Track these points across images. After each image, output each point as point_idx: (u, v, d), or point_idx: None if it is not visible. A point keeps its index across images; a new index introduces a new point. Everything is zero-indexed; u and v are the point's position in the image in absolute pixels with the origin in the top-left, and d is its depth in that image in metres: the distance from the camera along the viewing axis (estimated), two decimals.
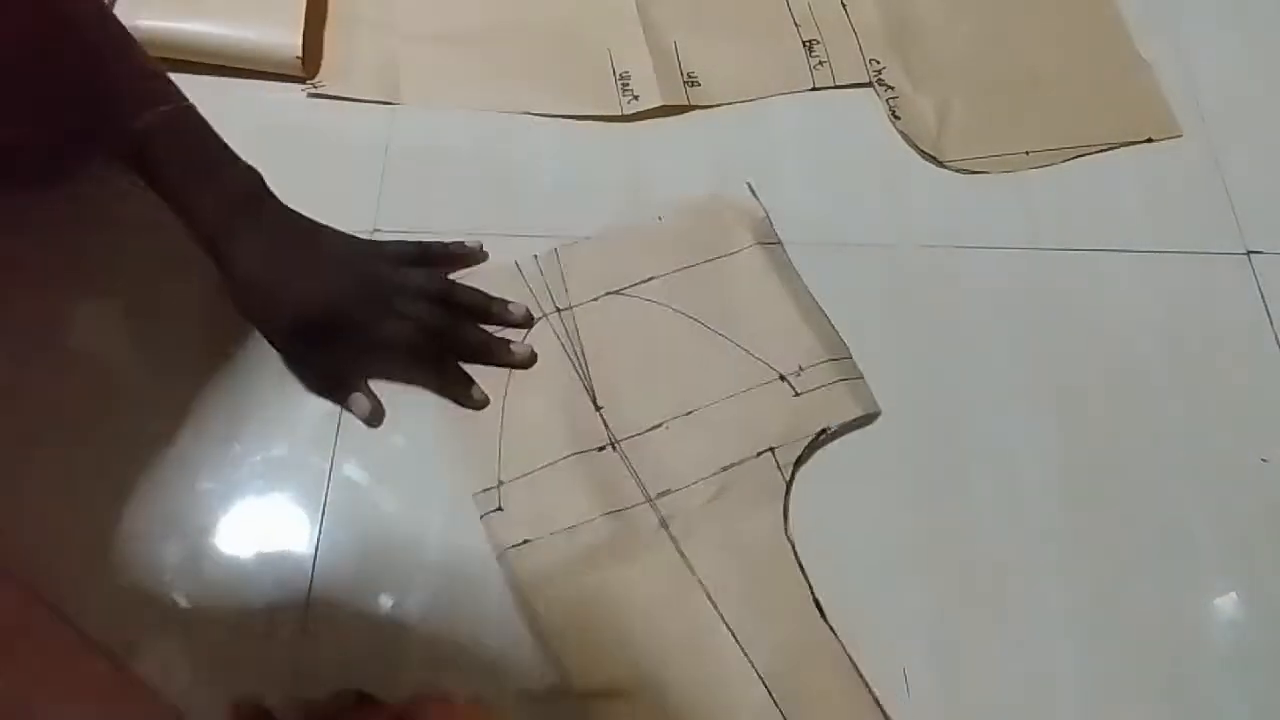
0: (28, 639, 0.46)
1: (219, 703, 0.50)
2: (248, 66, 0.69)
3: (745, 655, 0.52)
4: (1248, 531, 0.58)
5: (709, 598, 0.54)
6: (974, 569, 0.56)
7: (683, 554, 0.55)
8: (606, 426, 0.58)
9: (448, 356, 0.60)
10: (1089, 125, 0.72)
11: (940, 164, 0.70)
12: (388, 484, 0.57)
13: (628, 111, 0.70)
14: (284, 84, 0.70)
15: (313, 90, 0.70)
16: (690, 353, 0.61)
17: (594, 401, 0.59)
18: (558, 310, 0.62)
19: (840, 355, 0.61)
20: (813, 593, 0.54)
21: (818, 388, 0.60)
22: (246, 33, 0.68)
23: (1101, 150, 0.71)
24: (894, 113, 0.71)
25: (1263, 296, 0.65)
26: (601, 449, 0.58)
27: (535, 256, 0.64)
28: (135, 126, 0.54)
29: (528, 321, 0.61)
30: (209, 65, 0.67)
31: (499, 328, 0.61)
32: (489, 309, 0.61)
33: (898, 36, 0.75)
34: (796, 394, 0.59)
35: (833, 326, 0.62)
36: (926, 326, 0.64)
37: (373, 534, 0.56)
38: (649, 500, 0.56)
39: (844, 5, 0.76)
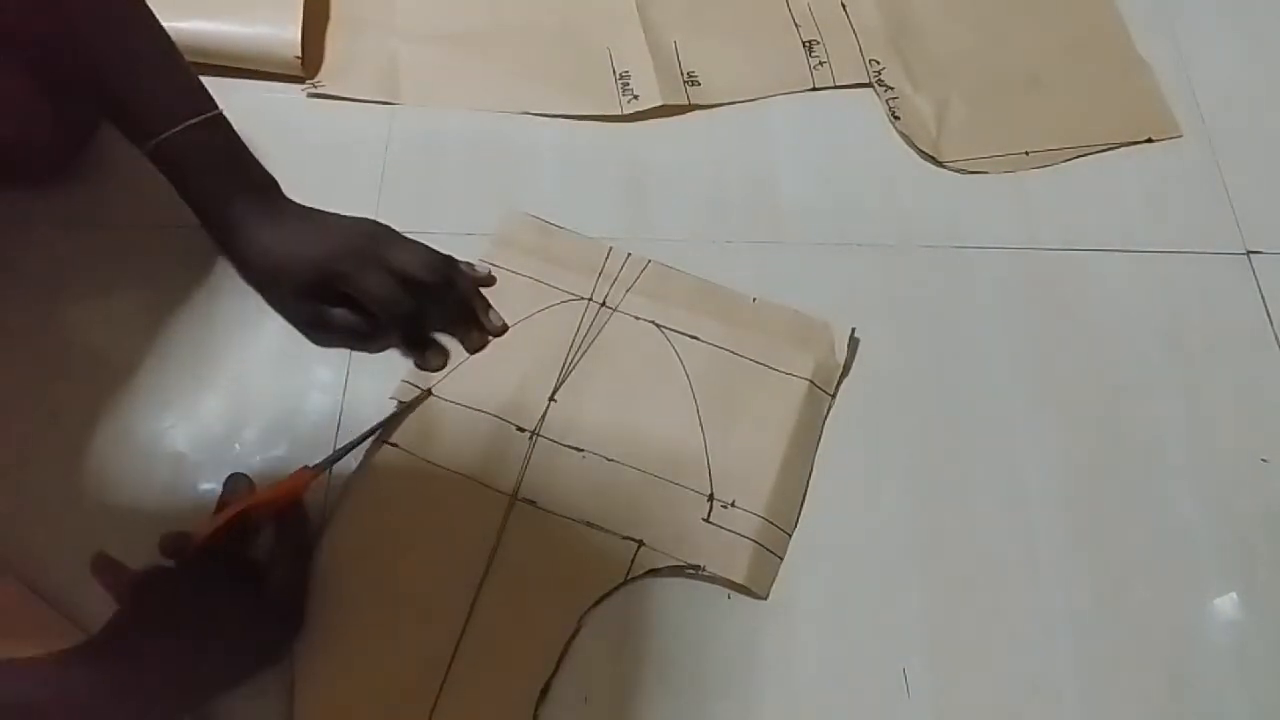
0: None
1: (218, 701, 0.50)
2: (248, 66, 0.69)
3: (441, 685, 0.51)
4: (1248, 532, 0.58)
5: (470, 611, 0.53)
6: (974, 569, 0.56)
7: (492, 557, 0.54)
8: (542, 418, 0.58)
9: (423, 319, 0.60)
10: (1089, 125, 0.72)
11: (939, 164, 0.70)
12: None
13: (628, 111, 0.70)
14: (284, 84, 0.70)
15: (313, 90, 0.70)
16: (664, 418, 0.59)
17: (553, 391, 0.59)
18: (601, 304, 0.62)
19: (779, 526, 0.56)
20: (549, 682, 0.52)
21: (731, 531, 0.55)
22: (246, 32, 0.68)
23: (1101, 150, 0.71)
24: (894, 113, 0.71)
25: (1263, 296, 0.65)
26: (521, 430, 0.58)
27: (629, 253, 0.64)
28: (157, 140, 0.55)
29: (500, 333, 0.61)
30: (209, 65, 0.67)
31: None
32: (473, 300, 0.61)
33: (898, 37, 0.75)
34: (707, 519, 0.56)
35: (802, 502, 0.58)
36: (927, 326, 0.64)
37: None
38: (512, 496, 0.56)
39: (844, 5, 0.76)
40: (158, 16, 0.56)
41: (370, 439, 0.56)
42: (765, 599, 0.55)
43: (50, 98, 0.58)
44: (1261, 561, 0.57)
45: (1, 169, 0.62)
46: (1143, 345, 0.64)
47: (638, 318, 0.61)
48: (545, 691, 0.52)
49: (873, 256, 0.66)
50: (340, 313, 0.59)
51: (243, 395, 0.59)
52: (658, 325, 0.61)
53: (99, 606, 0.51)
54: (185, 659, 0.47)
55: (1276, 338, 0.64)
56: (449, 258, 0.61)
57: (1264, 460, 0.60)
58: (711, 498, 0.56)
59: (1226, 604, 0.56)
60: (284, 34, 0.68)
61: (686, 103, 0.71)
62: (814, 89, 0.73)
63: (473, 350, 0.60)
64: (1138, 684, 0.54)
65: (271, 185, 0.60)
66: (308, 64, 0.70)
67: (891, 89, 0.73)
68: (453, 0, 0.75)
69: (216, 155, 0.58)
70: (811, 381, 0.60)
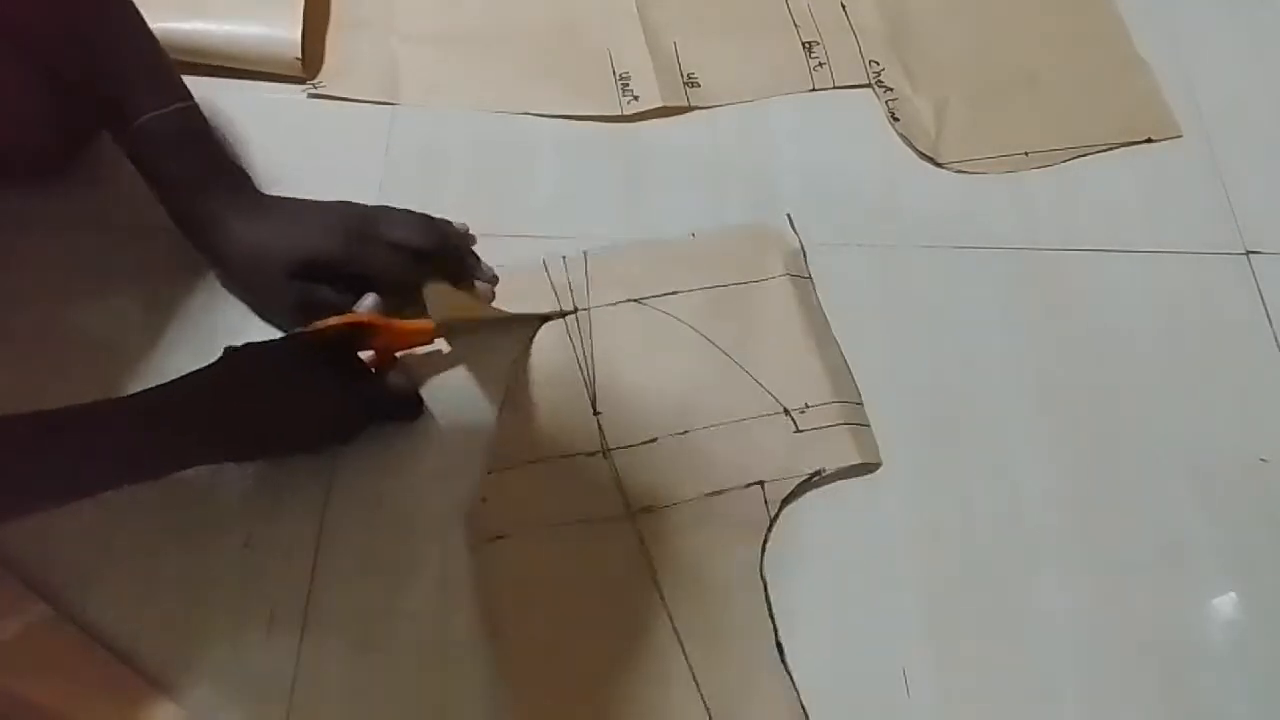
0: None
1: (219, 701, 0.50)
2: (248, 66, 0.69)
3: (697, 688, 0.51)
4: (1248, 531, 0.58)
5: (673, 626, 0.53)
6: (974, 570, 0.56)
7: (656, 579, 0.54)
8: (602, 433, 0.58)
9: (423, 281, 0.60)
10: (1089, 125, 0.72)
11: (939, 165, 0.70)
12: (390, 481, 0.57)
13: (628, 112, 0.70)
14: (284, 84, 0.70)
15: (313, 90, 0.70)
16: (697, 373, 0.60)
17: (594, 405, 0.59)
18: (574, 311, 0.62)
19: (850, 399, 0.59)
20: (777, 636, 0.53)
21: (820, 428, 0.58)
22: (246, 32, 0.68)
23: (1101, 150, 0.71)
24: (893, 114, 0.71)
25: (1262, 296, 0.65)
26: (592, 454, 0.57)
27: (563, 257, 0.63)
28: (135, 124, 0.55)
29: (493, 281, 0.62)
30: (209, 65, 0.67)
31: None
32: (466, 255, 0.62)
33: (897, 38, 0.75)
34: (798, 430, 0.58)
35: (849, 370, 0.61)
36: (926, 327, 0.64)
37: (373, 533, 0.56)
38: (629, 514, 0.56)
39: (843, 6, 0.76)
40: (160, 17, 0.56)
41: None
42: (880, 465, 0.58)
43: (50, 98, 0.58)
44: (1261, 561, 0.57)
45: (1, 169, 0.62)
46: (1142, 345, 0.64)
47: (613, 304, 0.62)
48: (781, 648, 0.53)
49: (872, 256, 0.66)
50: (327, 290, 0.58)
51: None
52: (634, 301, 0.62)
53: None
54: (256, 401, 0.52)
55: (1276, 338, 0.64)
56: (437, 220, 0.61)
57: (1263, 460, 0.60)
58: (787, 412, 0.58)
59: (1226, 604, 0.56)
60: (284, 35, 0.68)
61: (686, 103, 0.71)
62: (814, 90, 0.73)
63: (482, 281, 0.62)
64: (1137, 684, 0.54)
65: (246, 180, 0.59)
66: (308, 64, 0.70)
67: (891, 90, 0.73)
68: (453, 0, 0.75)
69: (188, 144, 0.57)
70: (788, 274, 0.63)
